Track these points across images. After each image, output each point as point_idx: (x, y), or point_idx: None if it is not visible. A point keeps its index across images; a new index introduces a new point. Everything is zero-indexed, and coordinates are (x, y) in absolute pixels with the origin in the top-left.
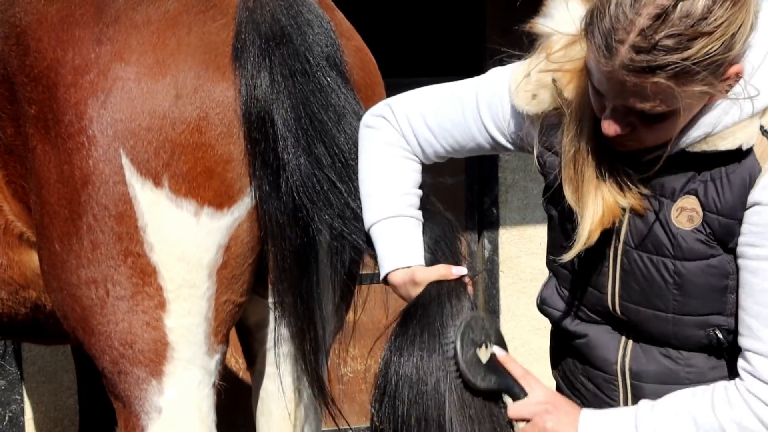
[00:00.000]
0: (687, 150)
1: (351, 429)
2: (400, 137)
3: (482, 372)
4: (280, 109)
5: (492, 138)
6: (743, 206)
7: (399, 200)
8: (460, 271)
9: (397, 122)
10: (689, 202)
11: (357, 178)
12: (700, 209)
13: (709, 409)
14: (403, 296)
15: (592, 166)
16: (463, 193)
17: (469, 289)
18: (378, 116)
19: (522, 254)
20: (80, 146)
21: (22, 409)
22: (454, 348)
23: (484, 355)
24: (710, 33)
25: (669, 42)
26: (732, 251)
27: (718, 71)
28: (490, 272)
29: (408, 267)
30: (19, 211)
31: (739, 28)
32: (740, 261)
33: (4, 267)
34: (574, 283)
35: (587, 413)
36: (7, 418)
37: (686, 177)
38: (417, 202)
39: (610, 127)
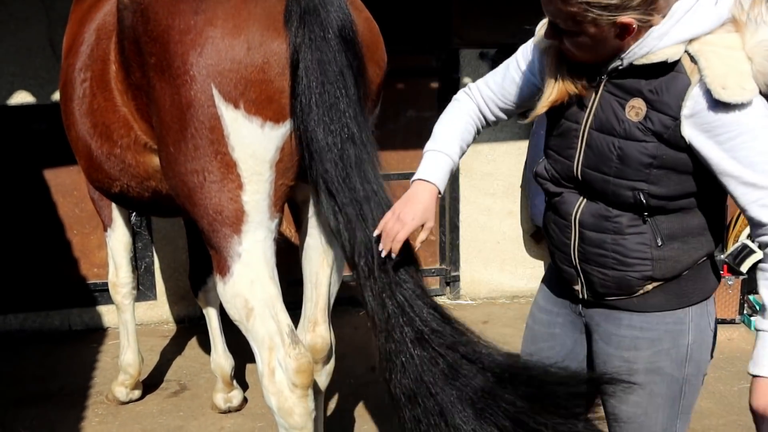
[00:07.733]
0: (634, 63)
1: None
2: (473, 104)
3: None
4: (306, 60)
5: (525, 77)
6: (678, 108)
7: (449, 144)
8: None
9: (472, 92)
10: (638, 102)
11: (344, 101)
12: (644, 107)
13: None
14: (413, 194)
15: (554, 69)
16: None
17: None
18: (463, 92)
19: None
20: (185, 82)
21: (153, 262)
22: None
23: None
24: None
25: None
26: (664, 141)
27: (610, 19)
28: (454, 176)
29: (427, 181)
30: (145, 128)
31: None
32: (708, 149)
33: (134, 166)
34: (555, 158)
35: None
36: (143, 267)
37: (639, 84)
38: (459, 151)
39: (552, 37)
